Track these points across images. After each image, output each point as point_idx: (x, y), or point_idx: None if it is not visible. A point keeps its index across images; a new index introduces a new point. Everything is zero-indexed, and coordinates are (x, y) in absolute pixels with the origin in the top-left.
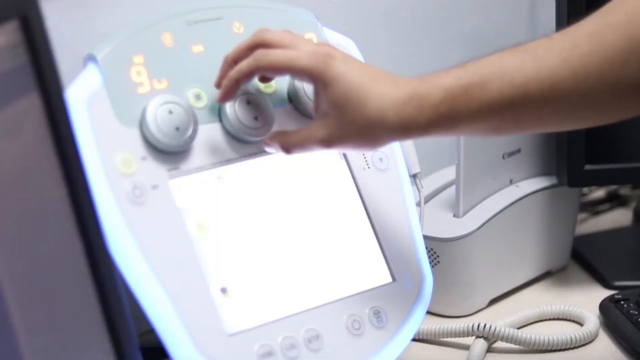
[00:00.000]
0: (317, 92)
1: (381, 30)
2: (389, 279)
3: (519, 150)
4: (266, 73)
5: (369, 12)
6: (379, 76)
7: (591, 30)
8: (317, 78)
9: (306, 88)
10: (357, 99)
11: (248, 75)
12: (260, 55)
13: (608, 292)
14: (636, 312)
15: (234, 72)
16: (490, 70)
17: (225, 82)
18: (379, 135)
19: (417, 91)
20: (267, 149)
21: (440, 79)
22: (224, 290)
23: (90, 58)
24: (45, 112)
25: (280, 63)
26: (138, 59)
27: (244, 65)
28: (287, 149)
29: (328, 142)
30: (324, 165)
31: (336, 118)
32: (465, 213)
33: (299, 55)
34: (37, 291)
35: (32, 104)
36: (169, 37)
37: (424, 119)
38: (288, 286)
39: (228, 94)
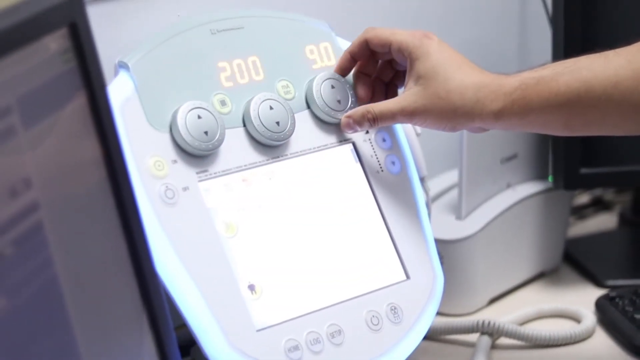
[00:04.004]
0: (409, 67)
1: None
2: (404, 277)
3: (515, 156)
4: (371, 44)
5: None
6: (466, 62)
7: None
8: (411, 51)
9: (323, 94)
10: (443, 74)
11: (358, 45)
12: (368, 29)
13: (600, 291)
14: (631, 309)
15: (348, 47)
16: (564, 66)
17: (340, 56)
18: (456, 112)
19: (496, 79)
20: (347, 130)
21: (520, 73)
22: (251, 288)
23: (122, 65)
24: (92, 114)
25: (384, 35)
26: (167, 66)
27: (355, 40)
28: (375, 120)
29: (412, 111)
30: (341, 169)
31: (422, 88)
32: (467, 215)
33: (400, 32)
34: (88, 286)
35: (80, 107)
36: (195, 45)
37: (498, 104)
38: (311, 283)
39: (342, 67)
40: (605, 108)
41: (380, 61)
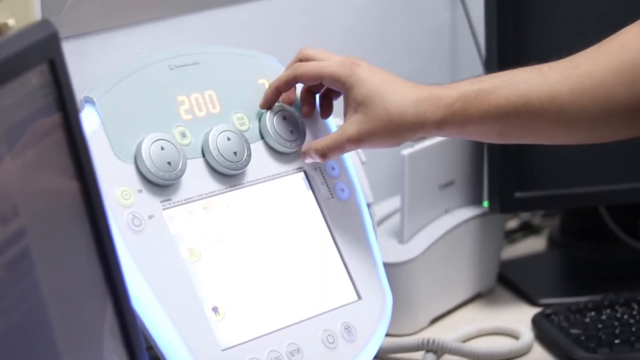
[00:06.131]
0: (345, 96)
1: None
2: (355, 298)
3: (452, 182)
4: (301, 81)
5: None
6: (399, 80)
7: (590, 55)
8: (344, 81)
9: (276, 125)
10: (380, 96)
11: (285, 82)
12: (296, 66)
13: (534, 309)
14: (566, 324)
15: (274, 81)
16: (501, 80)
17: (266, 90)
18: (400, 129)
19: (434, 92)
20: (306, 160)
21: (457, 85)
22: (215, 310)
23: (87, 100)
24: (68, 145)
25: (313, 71)
26: (130, 100)
27: (282, 74)
28: (324, 155)
29: (358, 138)
30: (294, 196)
31: (362, 115)
32: (408, 240)
33: (328, 64)
34: (69, 306)
35: (57, 138)
36: (155, 80)
37: (439, 115)
38: (270, 305)
39: (268, 101)
40: (541, 121)
41: None
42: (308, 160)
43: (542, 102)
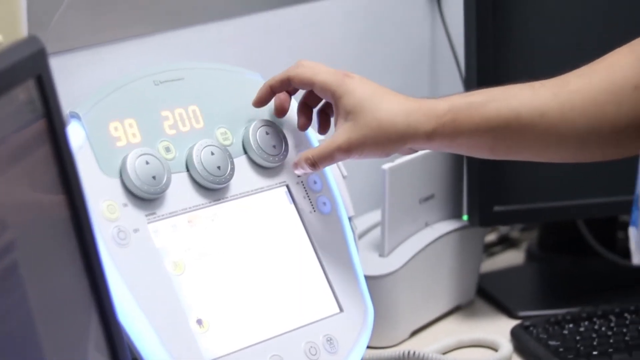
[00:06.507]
0: (335, 106)
1: None
2: (337, 310)
3: (433, 196)
4: (293, 83)
5: None
6: (389, 92)
7: (581, 73)
8: (334, 90)
9: (259, 140)
10: (370, 105)
11: (279, 81)
12: (291, 68)
13: (513, 322)
14: (545, 336)
15: (268, 80)
16: (493, 94)
17: (260, 88)
18: (390, 138)
19: (426, 103)
20: (297, 172)
21: (448, 97)
22: (199, 322)
23: (73, 115)
24: (55, 160)
25: (306, 75)
26: (115, 115)
27: (277, 75)
28: (315, 164)
29: (347, 147)
30: (277, 210)
31: (352, 123)
32: (389, 253)
33: (321, 71)
34: (56, 319)
35: (45, 153)
36: (140, 95)
37: (429, 126)
38: (253, 317)
39: (261, 98)
40: (531, 136)
41: None
42: (299, 171)
43: (532, 117)
